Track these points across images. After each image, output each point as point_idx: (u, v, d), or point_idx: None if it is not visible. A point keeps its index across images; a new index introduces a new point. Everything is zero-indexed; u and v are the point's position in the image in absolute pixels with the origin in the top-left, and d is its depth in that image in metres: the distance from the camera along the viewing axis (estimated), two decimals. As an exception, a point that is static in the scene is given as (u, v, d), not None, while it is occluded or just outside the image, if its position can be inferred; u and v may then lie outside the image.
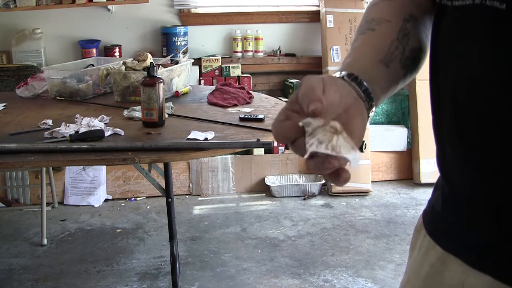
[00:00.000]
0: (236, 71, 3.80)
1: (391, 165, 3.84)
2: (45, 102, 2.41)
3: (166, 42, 3.70)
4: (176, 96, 2.46)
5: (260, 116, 2.06)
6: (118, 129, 1.88)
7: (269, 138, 1.80)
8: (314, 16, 3.89)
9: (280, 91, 3.93)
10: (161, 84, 1.94)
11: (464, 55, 0.67)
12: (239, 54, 3.85)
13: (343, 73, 0.67)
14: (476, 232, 0.71)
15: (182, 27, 3.73)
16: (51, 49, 3.70)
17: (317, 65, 3.86)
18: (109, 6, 3.67)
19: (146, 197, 3.61)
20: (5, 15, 3.58)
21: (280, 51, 3.87)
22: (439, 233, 0.78)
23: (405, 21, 0.76)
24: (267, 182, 3.65)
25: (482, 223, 0.70)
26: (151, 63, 2.27)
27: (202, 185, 3.66)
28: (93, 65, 2.68)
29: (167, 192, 2.38)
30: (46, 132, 1.87)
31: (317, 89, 0.58)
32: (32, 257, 2.81)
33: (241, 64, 3.82)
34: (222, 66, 3.78)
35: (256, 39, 3.85)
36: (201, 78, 3.76)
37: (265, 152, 3.67)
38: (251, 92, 2.46)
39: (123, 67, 2.44)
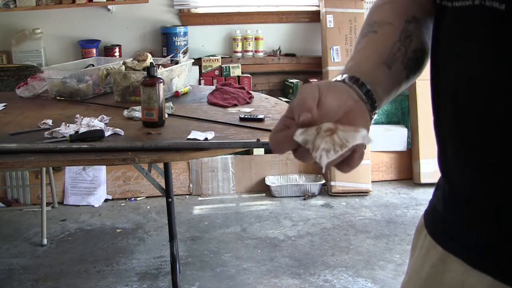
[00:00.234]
0: (236, 71, 3.79)
1: (391, 165, 3.84)
2: (45, 102, 2.41)
3: (166, 42, 3.70)
4: (176, 96, 2.46)
5: (260, 116, 2.05)
6: (118, 129, 1.88)
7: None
8: (314, 16, 3.89)
9: (280, 91, 3.93)
10: (161, 84, 1.94)
11: (464, 56, 0.67)
12: (239, 54, 3.85)
13: (345, 76, 0.68)
14: (476, 232, 0.71)
15: (182, 27, 3.73)
16: (51, 49, 3.70)
17: (317, 65, 3.86)
18: (109, 6, 3.66)
19: (146, 197, 3.61)
20: (5, 15, 3.58)
21: (280, 51, 3.87)
22: (440, 233, 0.78)
23: (407, 22, 0.76)
24: (267, 182, 3.65)
25: (482, 223, 0.70)
26: (151, 63, 2.27)
27: (202, 185, 3.66)
28: (93, 65, 2.68)
29: (167, 192, 2.38)
30: (46, 132, 1.87)
31: (308, 100, 0.59)
32: (32, 257, 2.81)
33: (241, 64, 3.82)
34: (222, 66, 3.78)
35: (256, 39, 3.85)
36: (201, 78, 3.76)
37: (265, 152, 3.67)
38: (251, 92, 2.46)
39: (123, 67, 2.44)
